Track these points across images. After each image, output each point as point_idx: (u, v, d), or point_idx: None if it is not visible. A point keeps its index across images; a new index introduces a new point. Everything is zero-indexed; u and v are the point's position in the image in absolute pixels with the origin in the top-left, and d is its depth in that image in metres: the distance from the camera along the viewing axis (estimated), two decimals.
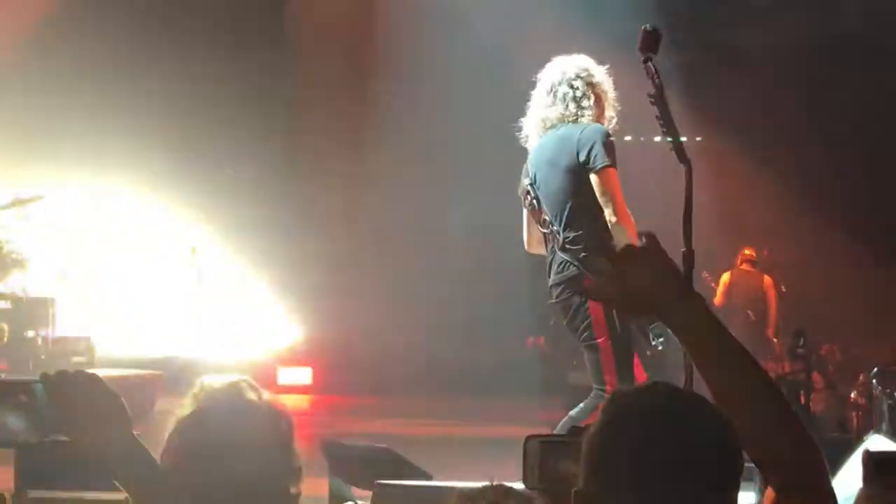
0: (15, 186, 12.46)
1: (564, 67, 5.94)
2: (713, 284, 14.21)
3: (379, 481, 5.23)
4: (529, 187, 5.93)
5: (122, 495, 2.26)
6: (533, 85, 6.09)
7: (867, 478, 2.53)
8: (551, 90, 5.91)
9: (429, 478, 5.45)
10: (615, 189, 5.67)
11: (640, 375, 5.65)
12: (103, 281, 15.81)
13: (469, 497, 2.15)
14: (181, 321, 15.84)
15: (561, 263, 5.76)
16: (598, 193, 5.69)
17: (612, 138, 5.77)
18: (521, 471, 2.14)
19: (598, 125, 5.82)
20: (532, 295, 13.80)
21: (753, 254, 14.77)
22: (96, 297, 15.26)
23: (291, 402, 11.59)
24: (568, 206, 5.79)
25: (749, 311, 14.42)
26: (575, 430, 1.87)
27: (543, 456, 2.05)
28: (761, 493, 1.91)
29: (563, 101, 5.86)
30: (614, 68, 6.05)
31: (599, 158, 5.68)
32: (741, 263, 14.75)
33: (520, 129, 6.05)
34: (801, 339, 10.05)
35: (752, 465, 1.96)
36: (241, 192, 17.42)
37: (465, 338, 17.74)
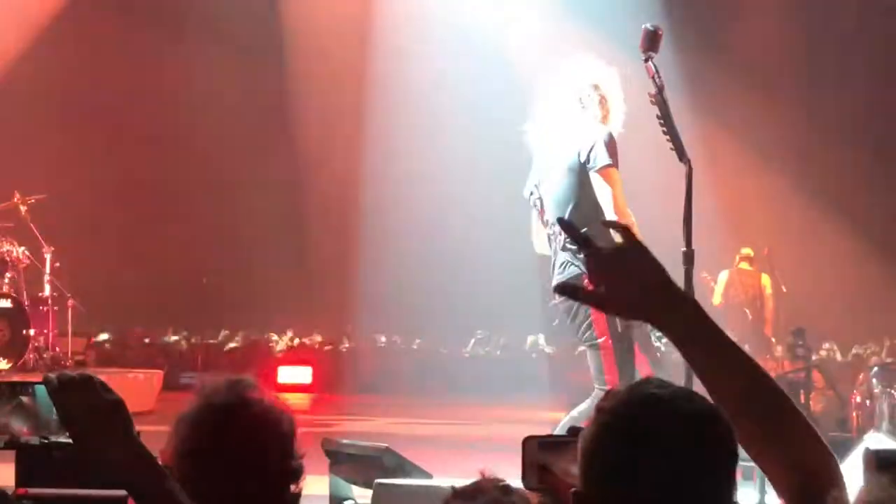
0: (17, 185, 12.45)
1: (572, 70, 5.94)
2: (712, 284, 14.21)
3: (379, 480, 5.23)
4: (534, 188, 5.95)
5: (121, 493, 2.26)
6: (538, 86, 6.09)
7: (868, 476, 2.53)
8: (561, 93, 5.91)
9: (429, 477, 5.45)
10: (615, 189, 5.67)
11: (647, 373, 5.64)
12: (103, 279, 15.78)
13: (466, 494, 2.15)
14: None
15: (563, 263, 5.77)
16: (598, 193, 5.70)
17: (614, 138, 5.77)
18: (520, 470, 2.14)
19: (601, 126, 5.82)
20: (535, 294, 13.78)
21: (752, 253, 14.77)
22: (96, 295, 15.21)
23: (291, 401, 11.57)
24: (569, 205, 5.80)
25: (746, 310, 14.43)
26: (574, 430, 1.86)
27: (542, 456, 2.05)
28: (761, 493, 1.91)
29: (569, 103, 5.87)
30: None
31: (600, 158, 5.69)
32: (739, 262, 14.76)
33: (526, 132, 6.05)
34: (801, 339, 10.04)
35: (752, 464, 1.95)
36: None
37: (465, 337, 17.74)
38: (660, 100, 4.77)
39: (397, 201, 16.89)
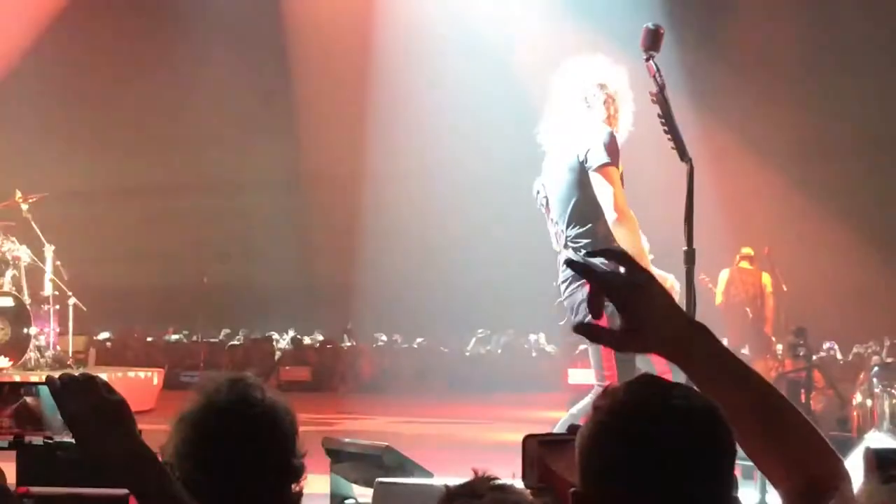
0: (18, 183, 12.45)
1: (578, 69, 5.93)
2: (710, 287, 14.20)
3: (379, 479, 5.23)
4: (541, 186, 5.96)
5: (123, 492, 2.26)
6: (547, 86, 6.09)
7: (868, 475, 2.53)
8: (567, 93, 5.91)
9: (429, 476, 5.45)
10: (614, 188, 5.67)
11: (661, 371, 5.63)
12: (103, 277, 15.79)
13: (463, 494, 2.14)
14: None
15: (565, 261, 5.80)
16: (597, 193, 5.70)
17: (615, 138, 5.77)
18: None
19: (602, 125, 5.82)
20: (535, 293, 13.78)
21: (752, 252, 14.77)
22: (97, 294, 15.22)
23: (292, 400, 11.57)
24: (571, 204, 5.82)
25: (747, 309, 14.42)
26: (573, 429, 1.86)
27: (542, 454, 2.04)
28: (762, 492, 1.90)
29: (575, 102, 5.87)
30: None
31: (597, 157, 5.70)
32: (740, 262, 14.75)
33: (539, 132, 6.04)
34: (802, 338, 10.04)
35: (752, 463, 1.95)
36: None
37: (466, 336, 17.74)
38: (661, 99, 4.76)
39: (398, 200, 16.91)
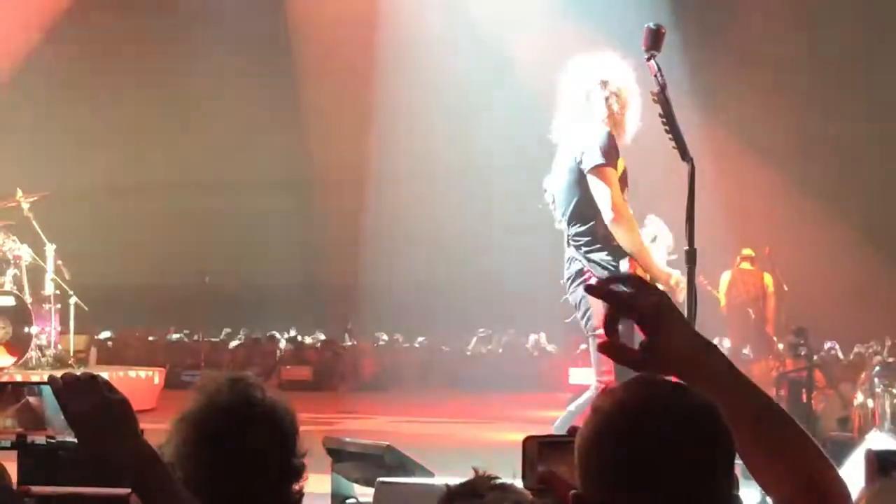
0: (19, 182, 12.45)
1: (582, 68, 5.93)
2: (709, 289, 14.20)
3: (381, 479, 5.23)
4: (549, 185, 5.98)
5: (124, 491, 2.26)
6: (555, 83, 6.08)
7: (869, 476, 2.53)
8: (569, 91, 5.91)
9: (430, 475, 5.45)
10: (608, 188, 5.69)
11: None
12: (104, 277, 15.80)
13: (464, 493, 2.14)
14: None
15: (569, 259, 5.84)
16: (592, 194, 5.74)
17: (611, 137, 5.78)
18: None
19: (600, 125, 5.82)
20: (536, 292, 13.77)
21: (752, 253, 14.78)
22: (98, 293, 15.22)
23: (293, 399, 11.57)
24: (572, 204, 5.85)
25: (749, 310, 14.43)
26: (574, 430, 1.85)
27: (543, 455, 2.04)
28: (763, 492, 1.90)
29: (576, 101, 5.88)
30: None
31: (591, 158, 5.73)
32: (741, 263, 14.76)
33: (551, 129, 6.05)
34: (803, 337, 10.04)
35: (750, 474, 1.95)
36: None
37: (467, 335, 17.74)
38: (662, 98, 4.76)
39: (400, 200, 16.91)
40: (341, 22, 16.65)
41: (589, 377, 6.08)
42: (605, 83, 5.85)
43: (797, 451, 1.89)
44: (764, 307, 14.73)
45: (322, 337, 17.81)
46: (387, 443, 5.60)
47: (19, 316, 11.64)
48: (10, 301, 11.65)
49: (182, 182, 17.10)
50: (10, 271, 11.80)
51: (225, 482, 2.32)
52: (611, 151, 5.73)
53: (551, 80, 6.10)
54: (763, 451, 1.87)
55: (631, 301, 1.91)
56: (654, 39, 4.85)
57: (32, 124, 16.00)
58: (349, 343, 17.70)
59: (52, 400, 2.12)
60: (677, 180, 4.81)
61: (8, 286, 11.74)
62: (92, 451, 2.10)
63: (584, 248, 5.76)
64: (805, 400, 8.86)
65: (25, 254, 11.96)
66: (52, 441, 2.51)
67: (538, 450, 2.03)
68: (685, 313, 4.86)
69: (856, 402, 8.97)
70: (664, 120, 4.75)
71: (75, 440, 2.13)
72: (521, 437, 2.10)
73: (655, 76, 4.79)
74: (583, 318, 5.80)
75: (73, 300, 12.50)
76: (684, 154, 4.75)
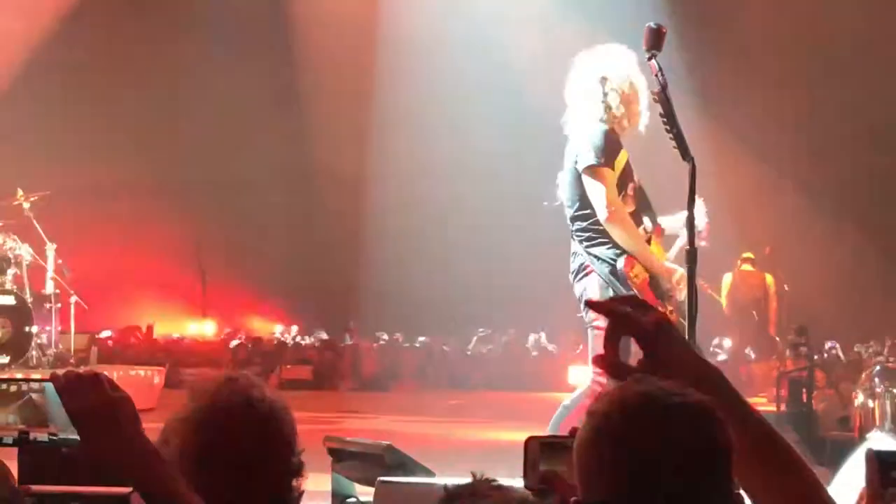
0: (20, 182, 12.46)
1: (583, 64, 5.92)
2: (710, 292, 14.21)
3: (381, 478, 5.22)
4: (559, 181, 6.01)
5: (125, 490, 2.26)
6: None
7: (870, 476, 2.53)
8: (571, 89, 5.91)
9: (431, 475, 5.45)
10: (602, 188, 5.71)
11: None
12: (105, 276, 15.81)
13: (465, 495, 2.14)
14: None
15: (573, 254, 5.90)
16: (588, 193, 5.77)
17: (608, 136, 5.78)
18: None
19: (597, 124, 5.83)
20: (537, 291, 13.77)
21: (753, 256, 14.80)
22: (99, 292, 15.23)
23: (294, 398, 11.58)
24: (574, 201, 5.88)
25: (753, 312, 14.44)
26: (575, 431, 1.85)
27: (544, 456, 2.04)
28: None
29: (579, 99, 5.89)
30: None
31: (585, 159, 5.76)
32: (742, 265, 14.77)
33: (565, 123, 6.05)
34: (804, 336, 10.05)
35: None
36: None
37: (468, 334, 17.74)
38: (663, 98, 4.77)
39: (401, 200, 16.91)
40: (342, 22, 16.65)
41: (589, 376, 6.09)
42: (603, 80, 5.85)
43: (795, 478, 1.89)
44: (766, 308, 14.74)
45: (323, 336, 17.81)
46: (387, 442, 5.59)
47: (20, 315, 11.64)
48: (10, 300, 11.66)
49: (182, 181, 17.10)
50: (11, 270, 11.81)
51: (223, 481, 2.31)
52: (606, 150, 5.75)
53: (551, 80, 6.11)
54: (761, 476, 1.87)
55: (630, 318, 1.91)
56: (655, 39, 4.86)
57: (34, 123, 15.99)
58: (350, 342, 17.69)
59: (55, 397, 2.13)
60: (678, 179, 4.82)
61: (8, 285, 11.75)
62: (94, 449, 2.10)
63: (586, 243, 5.81)
64: (805, 399, 8.87)
65: (26, 253, 11.96)
66: (55, 438, 2.51)
67: (540, 450, 2.04)
68: (685, 314, 4.87)
69: (856, 402, 8.97)
70: (665, 119, 4.76)
71: (77, 437, 2.13)
72: (520, 436, 2.10)
73: (656, 76, 4.80)
74: (584, 309, 5.85)
75: (73, 299, 12.50)
76: (685, 154, 4.75)
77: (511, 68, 15.53)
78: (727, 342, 14.75)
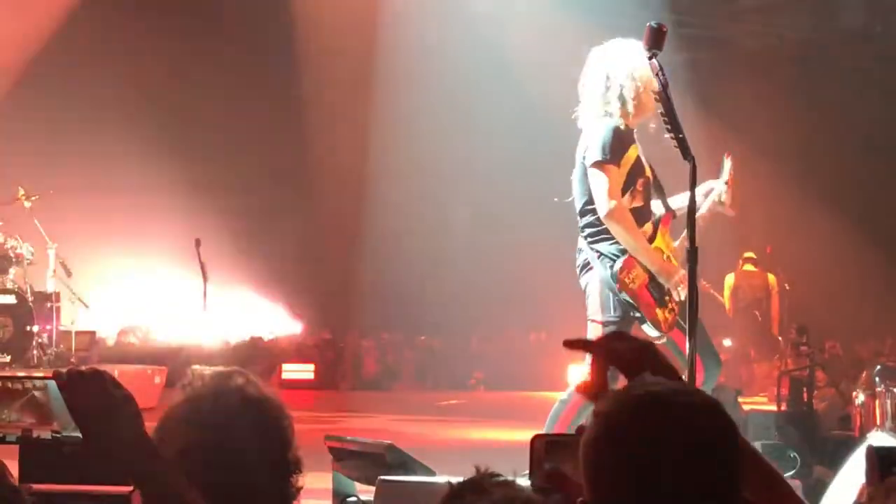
0: (21, 181, 12.47)
1: (594, 60, 5.92)
2: (712, 292, 14.21)
3: (382, 477, 5.23)
4: (572, 178, 6.03)
5: (127, 489, 2.26)
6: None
7: (870, 475, 2.53)
8: (598, 83, 5.89)
9: (432, 474, 5.45)
10: (604, 185, 5.73)
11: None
12: (106, 276, 15.82)
13: (472, 490, 2.14)
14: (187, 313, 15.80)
15: (579, 249, 5.93)
16: (591, 189, 5.79)
17: (614, 133, 5.77)
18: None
19: (605, 121, 5.84)
20: (538, 291, 13.77)
21: (754, 255, 14.80)
22: (99, 292, 15.25)
23: (294, 397, 11.61)
24: (582, 196, 5.90)
25: (756, 312, 14.44)
26: (582, 429, 1.85)
27: (550, 455, 2.04)
28: None
29: (587, 95, 5.90)
30: None
31: (591, 155, 5.77)
32: (743, 265, 14.77)
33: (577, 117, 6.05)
34: (804, 335, 10.05)
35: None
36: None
37: (468, 333, 17.74)
38: (664, 97, 4.77)
39: (402, 199, 16.91)
40: (342, 21, 16.65)
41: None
42: (608, 77, 5.85)
43: (776, 495, 1.90)
44: (768, 308, 14.74)
45: (324, 335, 17.82)
46: (388, 441, 5.60)
47: (21, 314, 11.65)
48: (11, 299, 11.66)
49: (184, 180, 17.09)
50: (12, 269, 11.81)
51: (221, 478, 2.31)
52: (614, 147, 5.75)
53: (551, 80, 6.13)
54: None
55: (610, 351, 1.94)
56: (656, 38, 4.85)
57: (35, 123, 16.00)
58: (351, 341, 17.70)
59: (58, 395, 2.13)
60: (679, 179, 4.82)
61: (9, 285, 11.75)
62: (96, 446, 2.11)
63: (590, 239, 5.84)
64: (806, 398, 8.86)
65: (27, 252, 11.97)
66: (57, 436, 2.51)
67: (545, 448, 2.04)
68: (686, 313, 4.86)
69: (857, 401, 8.97)
70: (666, 118, 4.76)
71: (80, 435, 2.13)
72: (521, 436, 2.11)
73: (657, 75, 4.80)
74: (587, 304, 5.89)
75: (74, 299, 12.51)
76: (686, 153, 4.75)
77: (511, 68, 15.52)
78: (727, 342, 14.75)
